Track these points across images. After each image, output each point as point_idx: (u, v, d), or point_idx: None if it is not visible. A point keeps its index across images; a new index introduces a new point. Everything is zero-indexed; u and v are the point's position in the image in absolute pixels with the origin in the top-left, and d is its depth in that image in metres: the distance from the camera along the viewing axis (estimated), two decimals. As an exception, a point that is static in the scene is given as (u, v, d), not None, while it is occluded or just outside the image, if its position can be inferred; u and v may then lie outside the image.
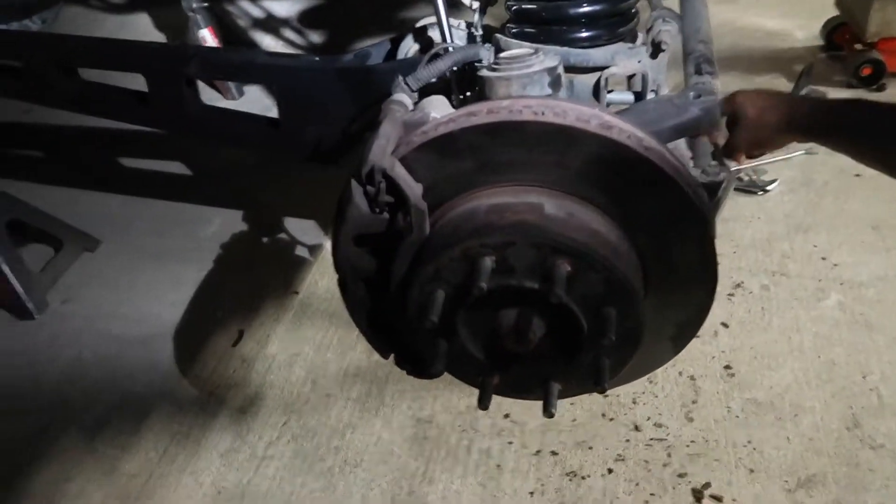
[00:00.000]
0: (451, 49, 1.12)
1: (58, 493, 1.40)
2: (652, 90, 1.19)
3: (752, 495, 1.28)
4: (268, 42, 2.89)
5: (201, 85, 1.84)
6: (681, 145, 1.17)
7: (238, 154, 2.06)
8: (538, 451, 1.38)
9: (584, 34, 1.13)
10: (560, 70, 1.02)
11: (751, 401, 1.44)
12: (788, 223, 1.87)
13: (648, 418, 1.43)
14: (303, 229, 1.96)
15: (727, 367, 1.51)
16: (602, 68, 1.15)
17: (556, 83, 1.01)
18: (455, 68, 1.13)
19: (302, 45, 2.91)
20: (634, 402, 1.46)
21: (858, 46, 2.37)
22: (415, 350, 0.99)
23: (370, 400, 1.52)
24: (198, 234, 2.00)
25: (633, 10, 1.19)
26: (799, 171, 2.03)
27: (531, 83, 0.99)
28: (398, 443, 1.43)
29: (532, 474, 1.35)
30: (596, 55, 1.13)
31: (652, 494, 1.30)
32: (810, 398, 1.42)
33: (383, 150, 0.88)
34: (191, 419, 1.51)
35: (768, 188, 1.99)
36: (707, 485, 1.30)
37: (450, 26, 1.17)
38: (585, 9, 1.11)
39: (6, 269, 1.74)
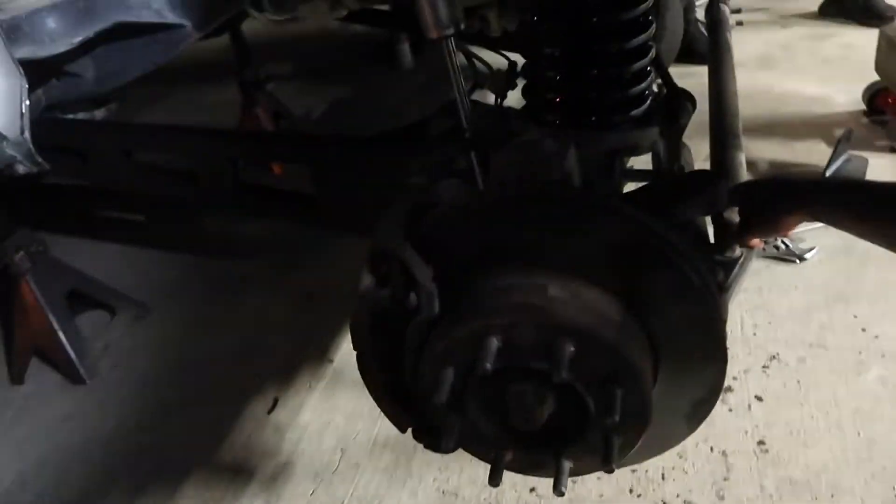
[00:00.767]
0: (469, 134, 1.17)
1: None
2: (668, 168, 1.22)
3: (787, 581, 1.23)
4: (316, 113, 3.05)
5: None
6: (699, 222, 1.19)
7: (282, 224, 2.15)
8: (564, 528, 1.37)
9: (599, 117, 1.17)
10: (571, 154, 1.06)
11: (785, 479, 1.39)
12: (827, 293, 1.84)
13: (678, 495, 1.39)
14: (341, 299, 2.02)
15: (761, 442, 1.47)
16: (617, 149, 1.18)
17: (568, 166, 1.05)
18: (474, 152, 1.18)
19: (346, 119, 3.06)
20: (663, 478, 1.43)
21: (901, 111, 2.35)
22: (430, 424, 1.01)
23: (398, 470, 1.54)
24: (243, 302, 2.08)
25: (646, 92, 1.23)
26: (839, 238, 1.96)
27: (543, 166, 1.03)
28: (424, 515, 1.43)
29: (557, 551, 1.33)
30: (610, 136, 1.17)
31: (681, 576, 1.26)
32: (849, 478, 1.37)
33: (394, 232, 0.93)
34: (224, 486, 1.55)
35: (806, 256, 1.96)
36: (738, 568, 1.26)
37: (468, 110, 1.22)
38: (599, 94, 1.15)
39: (62, 338, 1.85)
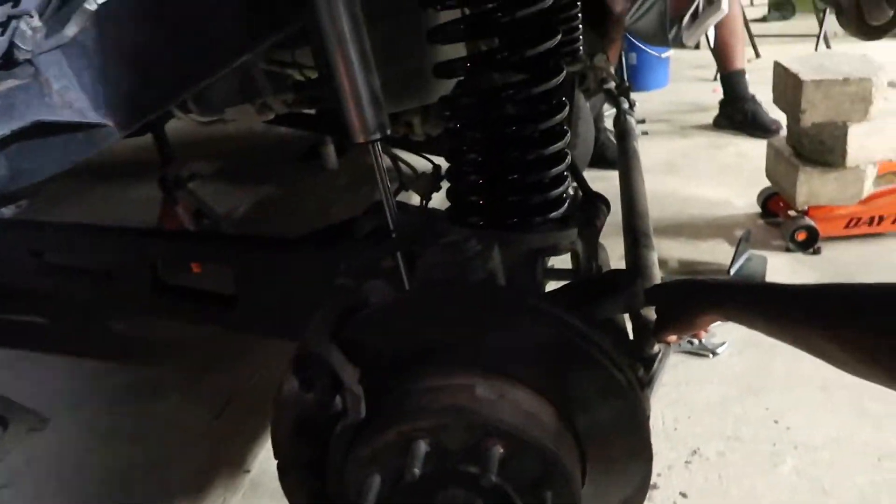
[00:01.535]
0: (394, 235, 1.19)
1: None
2: (587, 267, 1.26)
3: None
4: (240, 213, 3.03)
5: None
6: (618, 320, 1.23)
7: (199, 327, 2.08)
8: None
9: (520, 219, 1.21)
10: (494, 254, 1.09)
11: (715, 578, 1.39)
12: (740, 385, 1.91)
13: None
14: (259, 404, 1.94)
15: (688, 540, 1.48)
16: (538, 249, 1.22)
17: (490, 267, 1.07)
18: (400, 253, 1.19)
19: (271, 220, 3.05)
20: (596, 583, 1.39)
21: (792, 213, 2.55)
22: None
23: (320, 589, 1.43)
24: (153, 410, 1.97)
25: (563, 196, 1.29)
26: (747, 332, 2.07)
27: (466, 268, 1.05)
28: None
29: None
30: (531, 237, 1.21)
31: None
32: (775, 573, 1.38)
33: (320, 335, 0.92)
34: None
35: (718, 350, 2.04)
36: None
37: (395, 212, 1.24)
38: (519, 196, 1.20)
39: (-56, 454, 1.68)
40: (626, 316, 1.18)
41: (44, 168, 1.21)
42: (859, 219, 2.49)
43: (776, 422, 1.76)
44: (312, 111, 2.66)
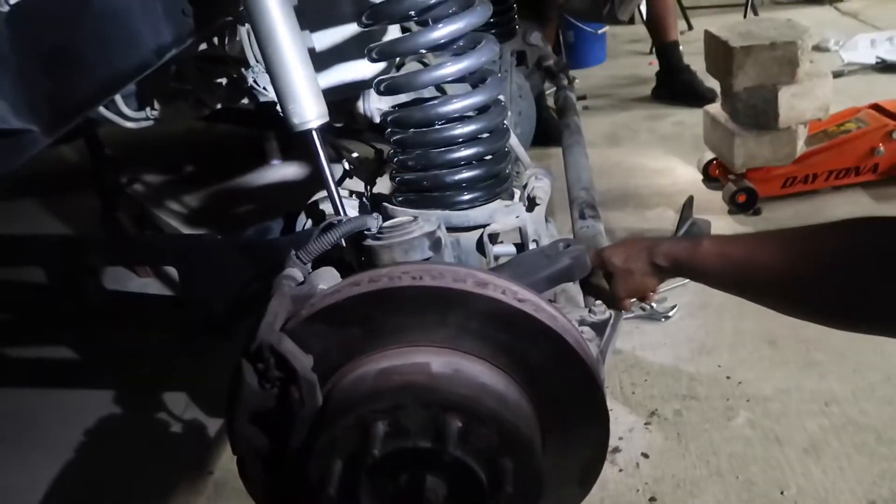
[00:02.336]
0: (340, 221, 1.18)
1: None
2: (533, 241, 1.28)
3: None
4: (178, 220, 2.96)
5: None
6: (570, 288, 1.25)
7: (147, 334, 2.04)
8: None
9: (463, 197, 1.21)
10: (440, 233, 1.09)
11: (678, 532, 1.43)
12: (692, 346, 1.96)
13: (580, 564, 1.39)
14: (216, 404, 1.91)
15: (652, 499, 1.51)
16: (483, 226, 1.23)
17: (436, 246, 1.07)
18: (348, 239, 1.19)
19: (210, 221, 2.99)
20: (565, 549, 1.42)
21: (731, 177, 2.62)
22: (321, 526, 0.96)
23: (293, 583, 1.43)
24: (102, 424, 1.92)
25: (507, 171, 1.30)
26: (695, 295, 2.16)
27: (412, 249, 1.05)
28: None
29: None
30: (476, 215, 1.22)
31: None
32: (735, 522, 1.43)
33: (271, 325, 0.91)
34: None
35: (670, 314, 2.09)
36: None
37: (340, 199, 1.24)
38: (462, 175, 1.20)
39: None
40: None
41: (-30, 179, 1.16)
42: (795, 178, 2.57)
43: (728, 378, 1.82)
44: (251, 106, 2.62)
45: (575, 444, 0.99)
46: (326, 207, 1.39)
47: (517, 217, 1.25)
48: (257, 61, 1.49)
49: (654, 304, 2.11)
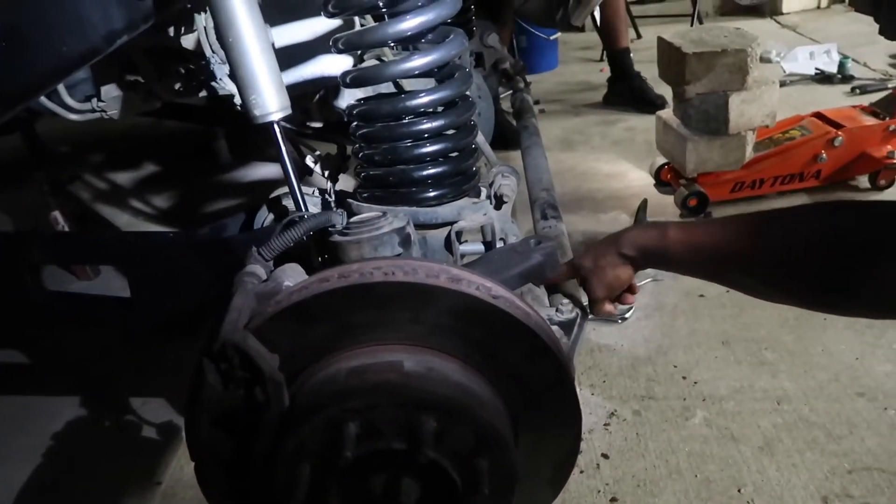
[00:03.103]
0: (304, 217, 1.14)
1: None
2: (500, 238, 1.26)
3: None
4: (125, 220, 2.84)
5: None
6: (535, 288, 1.24)
7: (89, 339, 1.94)
8: None
9: (431, 194, 1.19)
10: (409, 230, 1.07)
11: (641, 531, 1.43)
12: (649, 347, 1.98)
13: (545, 567, 1.38)
14: (164, 411, 1.83)
15: (613, 499, 1.52)
16: (451, 223, 1.21)
17: (406, 242, 1.05)
18: (311, 235, 1.15)
19: (164, 219, 2.88)
20: (529, 551, 1.41)
21: (683, 181, 2.67)
22: (287, 533, 0.92)
23: None
24: (42, 431, 1.81)
25: (474, 169, 1.28)
26: (651, 297, 2.19)
27: (382, 244, 1.02)
28: None
29: None
30: (444, 212, 1.20)
31: None
32: (695, 520, 1.45)
33: (235, 323, 0.86)
34: None
35: (626, 316, 2.11)
36: None
37: (303, 195, 1.20)
38: (429, 171, 1.18)
39: None
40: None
41: None
42: (743, 182, 2.64)
43: (684, 378, 1.85)
44: (202, 101, 2.53)
45: (547, 444, 0.97)
46: (288, 203, 1.35)
47: (485, 215, 1.23)
48: (213, 52, 1.43)
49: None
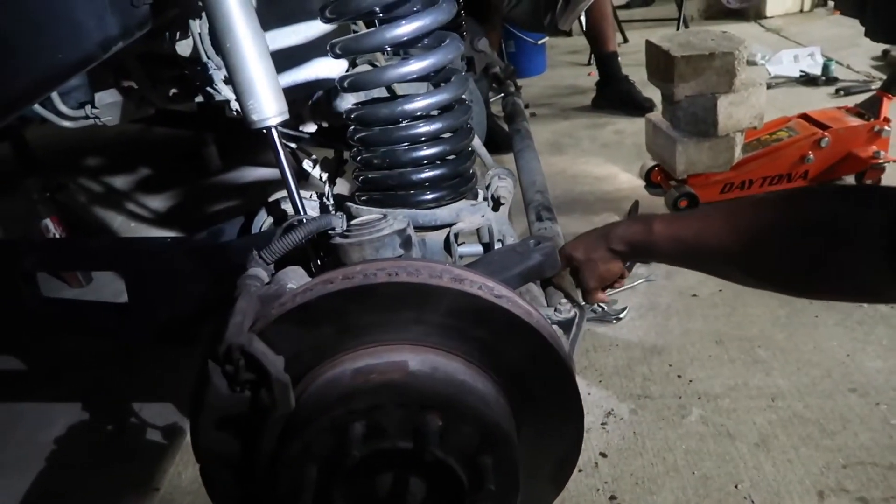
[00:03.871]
0: (304, 220, 1.15)
1: None
2: (498, 240, 1.28)
3: None
4: (116, 226, 2.83)
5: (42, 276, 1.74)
6: (532, 288, 1.25)
7: (84, 345, 1.93)
8: None
9: (429, 196, 1.20)
10: (409, 231, 1.08)
11: (640, 529, 1.45)
12: (644, 347, 2.00)
13: (546, 566, 1.38)
14: (161, 416, 1.83)
15: (612, 497, 1.53)
16: (450, 225, 1.22)
17: (407, 244, 1.06)
18: (310, 238, 1.15)
19: (157, 225, 2.87)
20: (530, 551, 1.41)
21: (673, 183, 2.70)
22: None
23: None
24: (38, 440, 1.80)
25: (471, 171, 1.29)
26: (644, 297, 2.21)
27: (383, 246, 1.03)
28: None
29: None
30: (442, 214, 1.21)
31: None
32: (693, 516, 1.46)
33: (240, 326, 0.87)
34: None
35: (621, 316, 2.13)
36: None
37: (301, 199, 1.20)
38: (427, 174, 1.19)
39: None
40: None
41: None
42: (732, 183, 2.67)
43: (679, 377, 1.86)
44: (193, 108, 2.53)
45: (549, 442, 0.98)
46: (287, 207, 1.35)
47: (483, 216, 1.24)
48: (208, 58, 1.43)
49: (605, 307, 2.15)
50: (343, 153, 1.61)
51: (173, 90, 1.62)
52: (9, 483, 1.69)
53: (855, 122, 2.68)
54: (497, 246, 1.26)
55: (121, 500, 1.62)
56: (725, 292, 2.14)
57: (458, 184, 1.23)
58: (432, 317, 0.89)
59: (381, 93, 1.24)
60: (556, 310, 1.19)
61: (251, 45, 1.13)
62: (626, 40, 4.96)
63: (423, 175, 1.18)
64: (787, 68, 3.99)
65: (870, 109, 2.70)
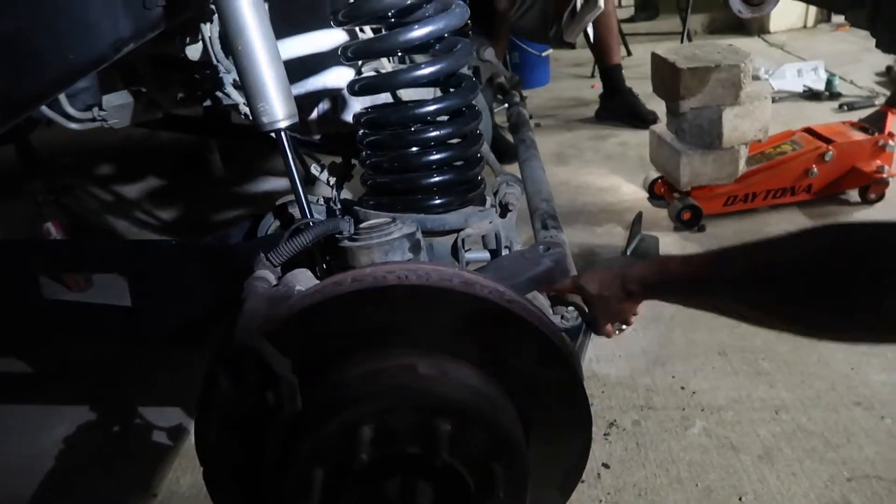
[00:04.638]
0: (311, 224, 1.15)
1: None
2: (505, 247, 1.27)
3: None
4: (124, 227, 2.83)
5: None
6: (538, 295, 1.25)
7: (89, 348, 1.92)
8: None
9: (438, 201, 1.20)
10: (418, 236, 1.08)
11: (644, 540, 1.43)
12: (647, 358, 1.99)
13: (549, 576, 1.37)
14: (163, 419, 1.82)
15: (616, 508, 1.52)
16: (458, 230, 1.22)
17: (416, 248, 1.05)
18: (317, 241, 1.15)
19: (155, 231, 2.87)
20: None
21: (677, 195, 2.70)
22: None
23: None
24: (41, 443, 1.79)
25: (479, 177, 1.29)
26: (647, 308, 2.18)
27: (392, 250, 1.03)
28: None
29: None
30: (450, 219, 1.21)
31: None
32: (697, 529, 1.45)
33: (248, 327, 0.86)
34: None
35: (623, 327, 2.11)
36: None
37: (308, 202, 1.20)
38: (436, 179, 1.19)
39: None
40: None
41: None
42: (736, 196, 2.67)
43: (683, 388, 1.85)
44: (199, 113, 2.53)
45: (557, 449, 0.98)
46: (294, 211, 1.35)
47: (490, 223, 1.24)
48: (218, 61, 1.44)
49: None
50: (350, 159, 1.61)
51: (181, 94, 1.63)
52: (7, 488, 1.67)
53: (859, 136, 2.68)
54: (504, 252, 1.26)
55: (120, 504, 1.61)
56: (729, 304, 2.13)
57: (466, 189, 1.23)
58: (443, 320, 0.89)
59: (388, 98, 1.25)
60: (562, 317, 1.19)
61: (263, 48, 1.13)
62: (629, 53, 4.98)
63: (433, 179, 1.18)
64: (790, 83, 4.00)
65: (874, 124, 2.71)
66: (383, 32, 1.19)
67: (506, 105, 2.90)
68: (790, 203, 2.71)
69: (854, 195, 2.72)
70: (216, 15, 1.18)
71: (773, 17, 5.32)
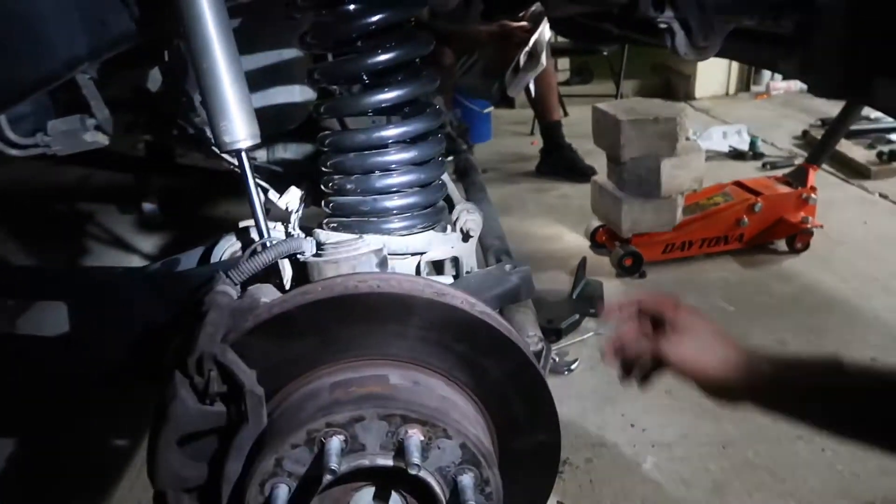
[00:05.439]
0: (270, 244, 1.12)
1: None
2: (467, 271, 1.27)
3: None
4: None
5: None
6: (519, 316, 1.25)
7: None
8: None
9: (400, 224, 1.20)
10: (385, 253, 1.07)
11: (602, 576, 1.41)
12: (596, 397, 2.01)
13: None
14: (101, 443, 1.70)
15: (573, 544, 1.50)
16: (421, 253, 1.21)
17: (383, 265, 1.04)
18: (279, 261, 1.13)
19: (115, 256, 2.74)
20: None
21: (618, 242, 2.78)
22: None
23: None
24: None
25: (441, 203, 1.30)
26: (594, 349, 2.23)
27: (360, 265, 1.01)
28: None
29: None
30: (414, 242, 1.20)
31: None
32: (654, 563, 1.44)
33: (212, 336, 0.83)
34: None
35: (572, 367, 2.14)
36: None
37: (267, 222, 1.18)
38: (402, 201, 1.19)
39: None
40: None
41: None
42: (674, 244, 2.78)
43: (633, 426, 1.87)
44: (141, 151, 2.48)
45: (525, 464, 0.96)
46: (254, 234, 1.32)
47: (452, 247, 1.24)
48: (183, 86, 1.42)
49: (556, 358, 2.17)
50: (309, 184, 1.60)
51: (134, 119, 1.59)
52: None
53: (784, 189, 2.85)
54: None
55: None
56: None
57: (429, 213, 1.23)
58: (414, 330, 0.88)
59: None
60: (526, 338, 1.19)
61: (227, 66, 1.12)
62: (566, 114, 5.18)
63: (397, 202, 1.18)
64: (717, 143, 4.24)
65: (797, 179, 2.89)
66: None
67: (451, 155, 2.96)
68: (724, 251, 2.84)
69: (782, 245, 2.86)
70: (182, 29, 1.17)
71: (698, 85, 5.69)
